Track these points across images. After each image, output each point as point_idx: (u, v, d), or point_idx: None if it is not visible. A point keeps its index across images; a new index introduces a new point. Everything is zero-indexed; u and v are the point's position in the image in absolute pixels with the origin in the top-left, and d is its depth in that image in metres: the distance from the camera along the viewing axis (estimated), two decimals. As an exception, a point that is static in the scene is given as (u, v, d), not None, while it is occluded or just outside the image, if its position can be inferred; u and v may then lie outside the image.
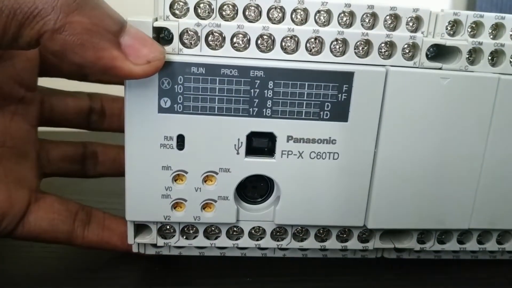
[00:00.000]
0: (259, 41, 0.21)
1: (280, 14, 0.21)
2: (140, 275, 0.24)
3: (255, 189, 0.23)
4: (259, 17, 0.21)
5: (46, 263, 0.25)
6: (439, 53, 0.23)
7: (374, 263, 0.26)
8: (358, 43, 0.21)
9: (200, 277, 0.24)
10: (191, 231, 0.23)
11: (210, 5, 0.21)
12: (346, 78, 0.21)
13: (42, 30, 0.17)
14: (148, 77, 0.19)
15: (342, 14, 0.21)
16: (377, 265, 0.25)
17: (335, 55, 0.21)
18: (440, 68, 0.21)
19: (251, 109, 0.21)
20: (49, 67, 0.25)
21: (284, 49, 0.21)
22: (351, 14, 0.21)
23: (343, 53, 0.21)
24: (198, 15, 0.21)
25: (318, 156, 0.22)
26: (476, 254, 0.26)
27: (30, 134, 0.25)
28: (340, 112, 0.21)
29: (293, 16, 0.21)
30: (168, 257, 0.25)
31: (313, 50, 0.21)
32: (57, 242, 0.24)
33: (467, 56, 0.22)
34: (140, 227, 0.23)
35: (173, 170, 0.21)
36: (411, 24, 0.22)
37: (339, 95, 0.21)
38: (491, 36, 0.22)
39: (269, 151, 0.22)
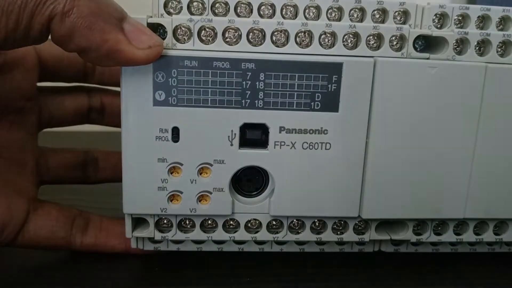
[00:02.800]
0: (250, 36, 0.21)
1: (270, 11, 0.22)
2: (139, 276, 0.24)
3: (250, 182, 0.23)
4: (250, 14, 0.22)
5: (45, 264, 0.25)
6: (427, 46, 0.23)
7: (374, 264, 0.26)
8: (346, 36, 0.22)
9: (200, 277, 0.24)
10: (188, 225, 0.23)
11: (203, 3, 0.21)
12: (335, 69, 0.21)
13: (52, 14, 0.18)
14: (148, 63, 0.20)
15: (331, 10, 0.22)
16: (378, 267, 0.25)
17: (324, 48, 0.22)
18: (427, 58, 0.22)
19: (243, 101, 0.21)
20: (49, 73, 0.26)
21: (274, 42, 0.21)
22: (340, 10, 0.22)
23: (332, 45, 0.22)
24: (191, 13, 0.21)
25: (311, 147, 0.22)
26: (475, 247, 0.26)
27: (29, 142, 0.25)
28: (330, 103, 0.22)
29: (283, 12, 0.22)
30: (168, 257, 0.25)
31: (302, 43, 0.22)
32: (56, 248, 0.24)
33: (454, 46, 0.22)
34: (138, 223, 0.23)
35: (169, 162, 0.21)
36: (398, 18, 0.22)
37: (329, 86, 0.21)
38: (478, 28, 0.23)
39: (263, 143, 0.22)
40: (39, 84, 0.26)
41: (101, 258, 0.25)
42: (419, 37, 0.22)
